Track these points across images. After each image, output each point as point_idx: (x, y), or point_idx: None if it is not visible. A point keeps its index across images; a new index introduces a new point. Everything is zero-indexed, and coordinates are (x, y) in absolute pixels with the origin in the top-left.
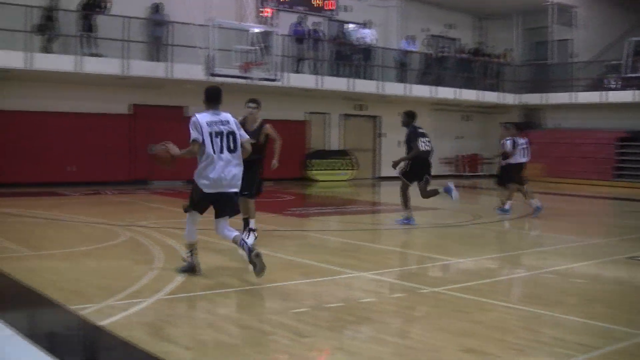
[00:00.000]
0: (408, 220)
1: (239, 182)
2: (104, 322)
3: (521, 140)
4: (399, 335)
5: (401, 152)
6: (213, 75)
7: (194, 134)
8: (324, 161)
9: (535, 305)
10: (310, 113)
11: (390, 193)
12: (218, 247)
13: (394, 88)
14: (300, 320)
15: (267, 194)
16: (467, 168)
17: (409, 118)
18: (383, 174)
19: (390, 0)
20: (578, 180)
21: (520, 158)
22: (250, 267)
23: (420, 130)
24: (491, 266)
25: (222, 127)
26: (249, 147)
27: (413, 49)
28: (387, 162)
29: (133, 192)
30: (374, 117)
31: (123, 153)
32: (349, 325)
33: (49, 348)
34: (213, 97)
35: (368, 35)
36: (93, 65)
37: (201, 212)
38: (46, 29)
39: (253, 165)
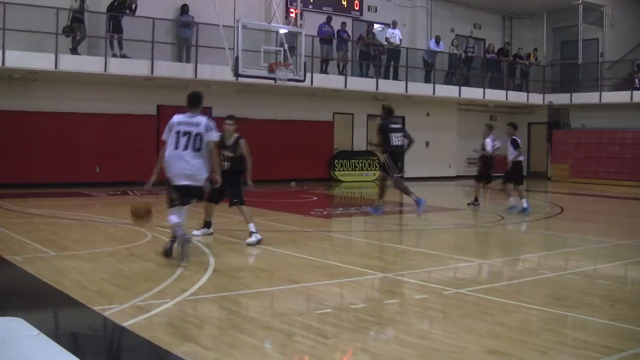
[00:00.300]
0: (376, 210)
1: (200, 177)
2: (127, 323)
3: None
4: (422, 337)
5: (428, 152)
6: (239, 75)
7: (164, 135)
8: (349, 161)
9: (559, 306)
10: (336, 113)
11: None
12: (242, 249)
13: (421, 88)
14: (323, 322)
15: (293, 194)
16: (493, 168)
17: (388, 114)
18: (408, 175)
19: (416, 0)
20: (604, 181)
21: (521, 157)
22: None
23: (393, 126)
24: (515, 267)
25: (191, 128)
26: (212, 147)
27: (440, 49)
28: (412, 163)
29: (159, 193)
30: (400, 117)
31: (149, 153)
32: (373, 326)
33: (73, 348)
34: (190, 102)
35: (397, 35)
36: (120, 67)
37: (183, 202)
38: (74, 31)
39: (238, 176)
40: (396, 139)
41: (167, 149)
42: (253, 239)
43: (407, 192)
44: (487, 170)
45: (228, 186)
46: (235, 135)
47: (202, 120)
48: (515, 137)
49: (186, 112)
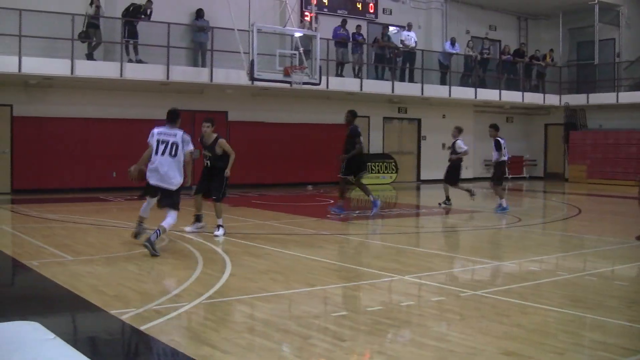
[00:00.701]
0: (339, 210)
1: (172, 181)
2: (144, 327)
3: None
4: (439, 339)
5: (444, 154)
6: (255, 79)
7: (148, 141)
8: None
9: (577, 308)
10: None
11: (432, 196)
12: (258, 252)
13: (436, 90)
14: (340, 324)
15: (309, 197)
16: (510, 170)
17: (353, 117)
18: (424, 177)
19: (431, 2)
20: (622, 182)
21: (504, 157)
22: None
23: (359, 130)
24: (532, 269)
25: (168, 138)
26: (188, 157)
27: (455, 51)
28: (429, 165)
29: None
30: (416, 119)
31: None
32: (389, 329)
33: (90, 352)
34: (168, 117)
35: (412, 38)
36: (136, 72)
37: (152, 196)
38: (89, 37)
39: (219, 173)
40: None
41: (152, 152)
42: (221, 231)
43: (367, 192)
44: (457, 173)
45: (210, 182)
46: (214, 135)
47: (178, 133)
48: (498, 139)
49: (165, 125)
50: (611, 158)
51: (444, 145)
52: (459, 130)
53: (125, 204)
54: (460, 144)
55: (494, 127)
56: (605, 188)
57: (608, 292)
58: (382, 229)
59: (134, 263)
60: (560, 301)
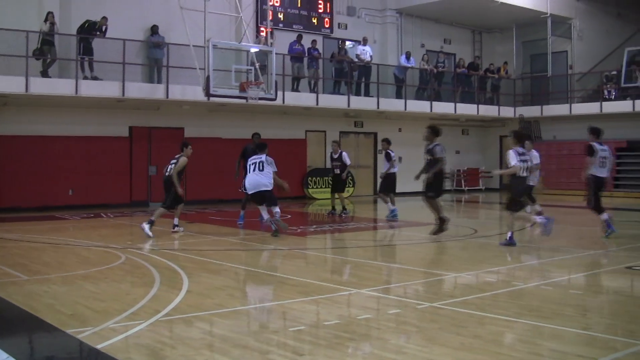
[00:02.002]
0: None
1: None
2: (102, 345)
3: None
4: (397, 352)
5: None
6: (211, 95)
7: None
8: (322, 179)
9: (533, 317)
10: (309, 131)
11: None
12: (216, 268)
13: (392, 104)
14: (299, 339)
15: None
16: (466, 182)
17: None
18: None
19: (386, 17)
20: (576, 192)
21: (393, 169)
22: None
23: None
24: (489, 280)
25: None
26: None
27: (411, 65)
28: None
29: (133, 215)
30: (372, 133)
31: (123, 175)
32: (348, 342)
33: None
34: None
35: (368, 52)
36: (91, 89)
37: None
38: (44, 54)
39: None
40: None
41: None
42: (178, 229)
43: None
44: (343, 182)
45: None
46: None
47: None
48: (388, 151)
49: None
50: (566, 169)
51: (400, 158)
52: (337, 144)
53: (81, 222)
54: (345, 156)
55: (386, 141)
56: (560, 198)
57: (563, 300)
58: (340, 243)
59: (91, 282)
60: (516, 311)
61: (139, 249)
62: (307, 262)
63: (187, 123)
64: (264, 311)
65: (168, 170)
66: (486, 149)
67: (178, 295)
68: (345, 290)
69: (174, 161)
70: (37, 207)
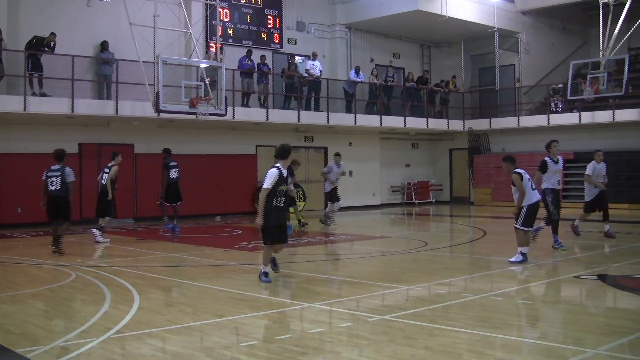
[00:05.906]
0: (169, 225)
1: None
2: None
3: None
4: None
5: (352, 181)
6: (160, 111)
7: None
8: None
9: (484, 328)
10: (259, 146)
11: (341, 224)
12: (166, 284)
13: (342, 119)
14: (251, 354)
15: (217, 228)
16: (417, 195)
17: (168, 154)
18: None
19: (336, 32)
20: None
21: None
22: None
23: (171, 163)
24: (440, 291)
25: (55, 174)
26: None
27: (360, 79)
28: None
29: (82, 232)
30: (322, 148)
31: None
32: (299, 356)
33: None
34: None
35: (317, 67)
36: (40, 105)
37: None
38: None
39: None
40: (174, 173)
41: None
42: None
43: (175, 213)
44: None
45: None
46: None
47: (64, 169)
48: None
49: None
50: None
51: (350, 172)
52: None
53: (31, 240)
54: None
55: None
56: (510, 210)
57: (513, 311)
58: (291, 257)
59: (41, 300)
60: (467, 322)
61: (90, 266)
62: (257, 277)
63: (137, 139)
64: (216, 327)
65: (103, 178)
66: (436, 162)
67: (129, 313)
68: (297, 305)
69: (107, 170)
70: None
